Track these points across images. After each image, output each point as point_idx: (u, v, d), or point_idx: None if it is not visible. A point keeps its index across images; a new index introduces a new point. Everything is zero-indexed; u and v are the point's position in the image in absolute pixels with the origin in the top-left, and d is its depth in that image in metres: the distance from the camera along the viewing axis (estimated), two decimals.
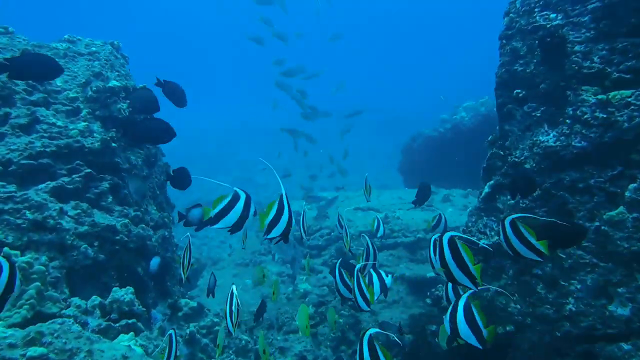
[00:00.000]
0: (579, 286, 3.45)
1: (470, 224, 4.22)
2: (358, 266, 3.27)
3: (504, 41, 4.25)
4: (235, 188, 2.53)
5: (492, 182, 4.13)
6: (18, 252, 3.21)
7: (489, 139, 4.31)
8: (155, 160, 5.19)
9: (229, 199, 2.51)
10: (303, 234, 4.09)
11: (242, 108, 32.60)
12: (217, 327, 4.06)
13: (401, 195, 11.06)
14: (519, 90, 4.01)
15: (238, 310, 3.19)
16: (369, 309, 3.27)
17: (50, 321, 2.83)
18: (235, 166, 24.02)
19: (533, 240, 2.67)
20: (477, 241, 4.06)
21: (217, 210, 2.49)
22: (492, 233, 3.96)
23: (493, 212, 4.09)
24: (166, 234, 4.68)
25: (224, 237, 13.83)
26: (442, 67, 44.57)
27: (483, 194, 4.18)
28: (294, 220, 2.48)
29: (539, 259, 2.72)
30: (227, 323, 3.17)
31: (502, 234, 2.70)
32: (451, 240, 2.45)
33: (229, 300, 3.09)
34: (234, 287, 3.35)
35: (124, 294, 3.43)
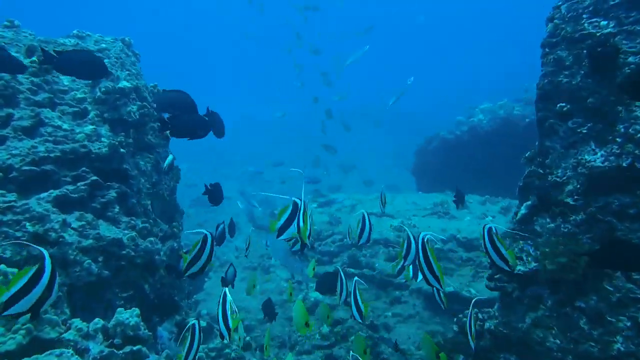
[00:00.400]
0: (628, 324, 3.13)
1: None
2: (356, 278, 3.39)
3: (546, 49, 3.90)
4: (293, 198, 2.54)
5: (529, 202, 3.80)
6: (16, 270, 2.94)
7: (526, 155, 3.97)
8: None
9: (290, 210, 2.56)
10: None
11: (243, 108, 32.36)
12: (227, 350, 3.79)
13: (415, 200, 10.73)
14: (563, 104, 3.67)
15: (232, 314, 2.98)
16: (361, 321, 3.39)
17: (48, 352, 2.58)
18: (243, 160, 23.83)
19: (503, 250, 2.76)
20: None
21: (282, 222, 2.54)
22: (530, 259, 3.63)
23: (530, 235, 3.76)
24: (175, 245, 4.41)
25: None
26: (444, 67, 44.16)
27: (519, 215, 3.86)
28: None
29: (508, 269, 2.81)
30: (219, 327, 2.94)
31: (482, 241, 2.84)
32: (423, 242, 2.67)
33: (221, 302, 2.88)
34: (226, 289, 3.10)
35: (128, 316, 3.16)
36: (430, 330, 6.25)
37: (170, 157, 4.52)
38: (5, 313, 2.05)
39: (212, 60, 51.73)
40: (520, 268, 3.65)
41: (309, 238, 2.48)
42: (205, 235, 2.90)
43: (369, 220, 4.21)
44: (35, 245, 2.48)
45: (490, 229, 2.78)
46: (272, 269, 9.26)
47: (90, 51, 3.61)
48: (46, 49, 4.52)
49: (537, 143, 3.92)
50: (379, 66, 42.79)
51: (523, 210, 3.81)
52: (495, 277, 3.77)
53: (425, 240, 2.72)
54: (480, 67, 43.50)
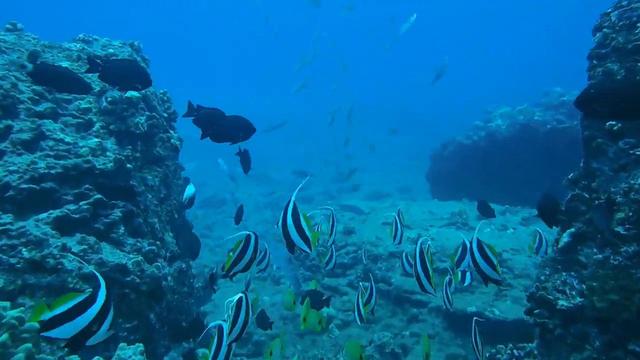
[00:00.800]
0: None
1: (543, 278, 3.54)
2: (361, 284, 3.95)
3: (594, 61, 3.53)
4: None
5: (573, 229, 3.45)
6: (7, 304, 2.65)
7: (569, 176, 3.61)
8: (174, 177, 4.62)
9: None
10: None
11: (245, 107, 32.18)
12: None
13: (432, 209, 10.35)
14: (614, 122, 3.31)
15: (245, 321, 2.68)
16: (359, 323, 4.02)
17: None
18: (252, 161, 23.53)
19: (495, 261, 2.77)
20: (554, 300, 3.38)
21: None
22: (574, 293, 3.28)
23: (573, 267, 3.41)
24: (183, 266, 4.11)
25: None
26: (456, 67, 43.80)
27: (561, 243, 3.50)
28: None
29: (499, 279, 2.81)
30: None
31: (470, 254, 2.83)
32: (420, 251, 2.88)
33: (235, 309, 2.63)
34: (240, 296, 2.80)
35: (131, 354, 2.87)
36: (452, 353, 5.90)
37: (191, 190, 4.20)
38: (44, 334, 1.88)
39: (212, 60, 51.62)
40: (562, 303, 3.30)
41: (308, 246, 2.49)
42: (248, 234, 2.85)
43: (401, 223, 4.51)
44: (95, 271, 2.22)
45: (479, 241, 2.84)
46: (282, 280, 8.94)
47: (134, 60, 3.39)
48: (50, 54, 4.26)
49: (581, 164, 3.56)
50: (384, 66, 42.37)
51: (566, 238, 3.46)
52: (535, 312, 3.43)
53: (425, 247, 2.98)
54: (494, 69, 42.82)
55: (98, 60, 3.22)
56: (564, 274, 3.40)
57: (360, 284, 6.86)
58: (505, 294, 6.55)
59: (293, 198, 2.45)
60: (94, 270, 2.11)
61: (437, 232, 8.55)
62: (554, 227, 3.69)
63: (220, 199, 18.14)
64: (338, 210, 10.64)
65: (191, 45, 49.81)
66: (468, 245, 4.02)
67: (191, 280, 4.37)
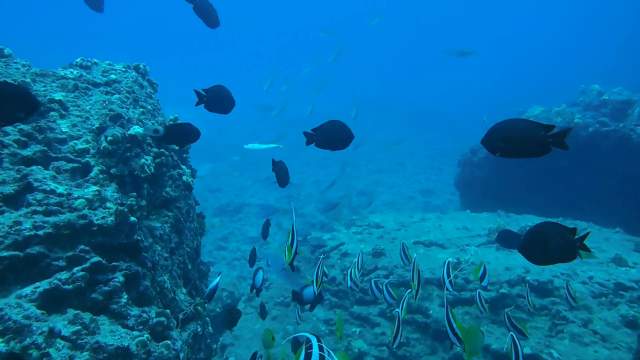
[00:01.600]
0: None
1: None
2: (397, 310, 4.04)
3: None
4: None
5: None
6: None
7: None
8: (187, 220, 4.02)
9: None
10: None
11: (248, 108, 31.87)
12: None
13: (466, 224, 9.61)
14: None
15: None
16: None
17: None
18: (262, 162, 23.13)
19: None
20: None
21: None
22: None
23: None
24: (199, 329, 3.51)
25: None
26: (481, 65, 42.73)
27: None
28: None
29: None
30: None
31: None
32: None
33: None
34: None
35: None
36: None
37: (218, 280, 3.72)
38: None
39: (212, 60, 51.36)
40: None
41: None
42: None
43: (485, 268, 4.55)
44: None
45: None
46: (307, 306, 8.29)
47: (221, 85, 3.26)
48: (42, 84, 3.71)
49: None
50: (386, 65, 41.59)
51: None
52: None
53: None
54: (521, 66, 41.57)
55: (202, 92, 3.16)
56: None
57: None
58: (562, 329, 5.81)
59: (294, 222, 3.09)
60: None
61: (476, 254, 7.80)
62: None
63: (236, 206, 17.65)
64: (366, 228, 9.96)
65: (191, 45, 49.67)
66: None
67: (208, 341, 3.77)
